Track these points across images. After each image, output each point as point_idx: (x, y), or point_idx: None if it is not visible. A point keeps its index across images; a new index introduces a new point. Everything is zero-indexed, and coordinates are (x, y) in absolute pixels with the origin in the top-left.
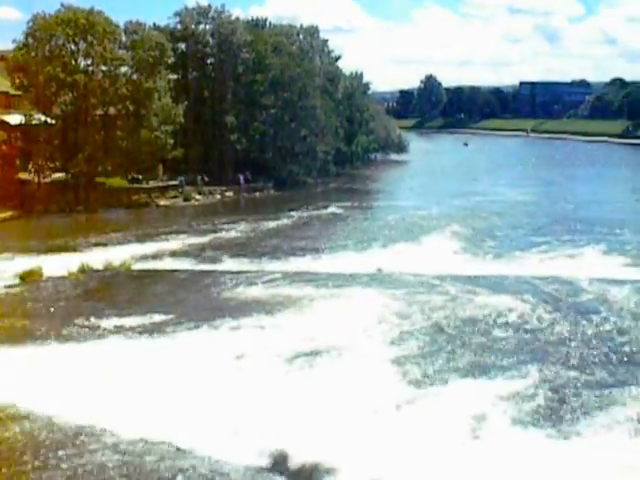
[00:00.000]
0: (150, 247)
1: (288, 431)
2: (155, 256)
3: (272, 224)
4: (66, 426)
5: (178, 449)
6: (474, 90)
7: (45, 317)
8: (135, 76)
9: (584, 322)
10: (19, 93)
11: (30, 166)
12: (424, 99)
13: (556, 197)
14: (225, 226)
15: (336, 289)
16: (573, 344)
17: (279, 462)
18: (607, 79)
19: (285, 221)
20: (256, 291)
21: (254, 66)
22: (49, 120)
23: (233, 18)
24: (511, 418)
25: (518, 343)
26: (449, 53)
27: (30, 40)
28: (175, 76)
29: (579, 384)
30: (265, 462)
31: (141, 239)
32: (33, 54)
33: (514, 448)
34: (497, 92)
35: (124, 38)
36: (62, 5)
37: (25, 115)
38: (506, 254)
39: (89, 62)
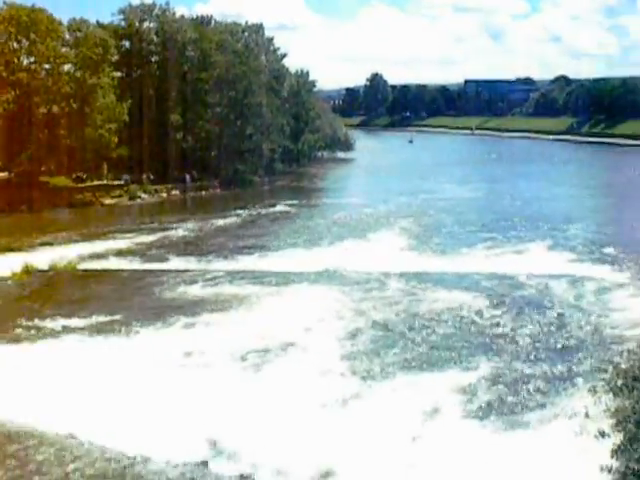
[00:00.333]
0: (95, 246)
1: (235, 427)
2: (101, 256)
3: (219, 222)
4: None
5: (105, 445)
6: (420, 88)
7: None
8: (79, 74)
9: (530, 317)
10: None
11: None
12: (370, 97)
13: (502, 194)
14: (171, 225)
15: (284, 287)
16: (519, 338)
17: (224, 458)
18: (551, 77)
19: (232, 219)
20: (203, 290)
21: (199, 64)
22: None
23: (178, 16)
24: (461, 412)
25: (466, 338)
26: (395, 51)
27: None
28: (119, 74)
29: (526, 377)
30: (212, 459)
31: (86, 238)
32: None
33: (463, 442)
34: (443, 90)
35: (67, 36)
36: (4, 3)
37: None
38: (453, 251)
39: (32, 60)
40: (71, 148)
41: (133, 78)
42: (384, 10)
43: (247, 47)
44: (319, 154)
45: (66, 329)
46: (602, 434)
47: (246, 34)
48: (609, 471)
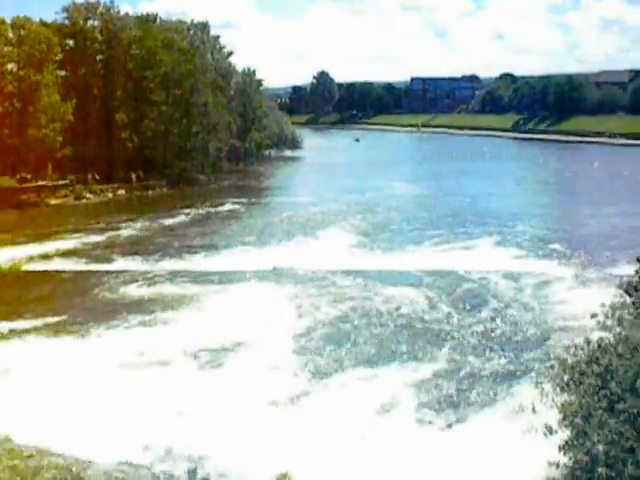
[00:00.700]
0: (41, 247)
1: (186, 426)
2: (46, 256)
3: (166, 222)
4: None
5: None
6: (367, 86)
7: None
8: (22, 72)
9: (477, 312)
10: None
11: None
12: (317, 95)
13: (450, 191)
14: (117, 225)
15: (232, 285)
16: (467, 334)
17: (174, 458)
18: (497, 74)
19: (179, 219)
20: (149, 290)
21: (144, 63)
22: None
23: (122, 14)
24: (410, 407)
25: (415, 335)
26: (342, 49)
27: None
28: (64, 73)
29: (474, 373)
30: (161, 459)
31: (31, 239)
32: None
33: (412, 438)
34: (389, 88)
35: (11, 34)
36: None
37: None
38: (402, 248)
39: None
40: (15, 148)
41: (78, 77)
42: (331, 8)
43: (193, 45)
44: (266, 152)
45: (13, 332)
46: (550, 430)
47: (192, 32)
48: (557, 466)
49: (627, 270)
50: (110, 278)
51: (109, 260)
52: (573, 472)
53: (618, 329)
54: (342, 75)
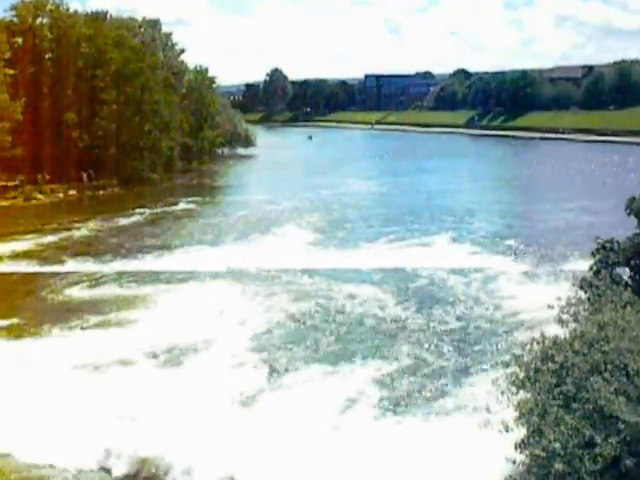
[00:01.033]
0: None
1: (145, 427)
2: None
3: (118, 222)
4: None
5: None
6: (320, 83)
7: None
8: None
9: (432, 309)
10: None
11: None
12: (270, 92)
13: (405, 188)
14: (68, 226)
15: (186, 285)
16: (422, 331)
17: (133, 459)
18: (451, 70)
19: (132, 219)
20: (104, 291)
21: (94, 61)
22: None
23: (72, 11)
24: (368, 404)
25: (372, 332)
26: (295, 46)
27: None
28: (13, 72)
29: (429, 370)
30: (119, 460)
31: None
32: None
33: (370, 435)
34: (343, 85)
35: None
36: None
37: None
38: (359, 245)
39: None
40: None
41: (27, 75)
42: (283, 4)
43: (144, 43)
44: (219, 151)
45: None
46: (506, 428)
47: (143, 30)
48: (514, 463)
49: (579, 265)
50: (61, 279)
51: (61, 261)
52: (530, 469)
53: (573, 325)
54: (296, 72)
